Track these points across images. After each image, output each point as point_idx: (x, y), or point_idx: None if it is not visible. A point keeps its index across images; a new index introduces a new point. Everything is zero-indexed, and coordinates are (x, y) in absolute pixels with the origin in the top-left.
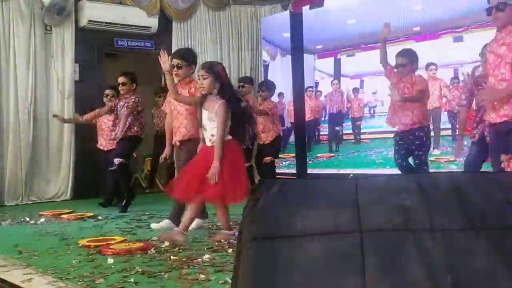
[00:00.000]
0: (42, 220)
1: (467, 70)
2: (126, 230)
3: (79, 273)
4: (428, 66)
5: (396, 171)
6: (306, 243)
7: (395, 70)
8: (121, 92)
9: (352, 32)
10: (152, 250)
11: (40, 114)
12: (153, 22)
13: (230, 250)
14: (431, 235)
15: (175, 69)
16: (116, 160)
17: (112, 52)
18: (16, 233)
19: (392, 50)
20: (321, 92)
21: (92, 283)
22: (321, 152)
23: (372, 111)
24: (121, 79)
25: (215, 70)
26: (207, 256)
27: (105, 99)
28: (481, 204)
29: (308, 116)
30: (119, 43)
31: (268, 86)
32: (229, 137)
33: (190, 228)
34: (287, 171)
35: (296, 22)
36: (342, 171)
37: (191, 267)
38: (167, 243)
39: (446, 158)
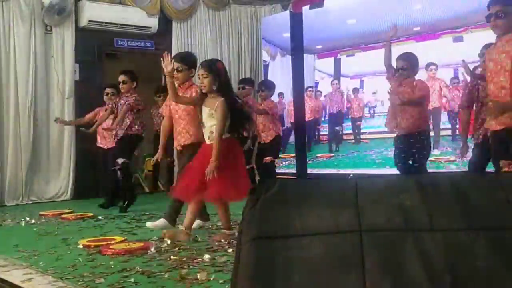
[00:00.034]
0: (42, 220)
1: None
2: (126, 230)
3: (79, 273)
4: (428, 66)
5: (396, 171)
6: (306, 243)
7: (396, 74)
8: (122, 91)
9: (352, 32)
10: (152, 250)
11: (40, 114)
12: (153, 22)
13: (230, 250)
14: (431, 235)
15: (175, 72)
16: (120, 160)
17: (112, 52)
18: (16, 233)
19: (393, 50)
20: (321, 92)
21: (92, 283)
22: (321, 152)
23: (372, 111)
24: (121, 78)
25: (214, 68)
26: (207, 256)
27: (105, 98)
28: (481, 204)
29: (308, 116)
30: (119, 43)
31: (267, 86)
32: (228, 135)
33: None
34: (287, 171)
35: (296, 22)
36: (342, 171)
37: (191, 267)
38: (168, 243)
39: (446, 158)
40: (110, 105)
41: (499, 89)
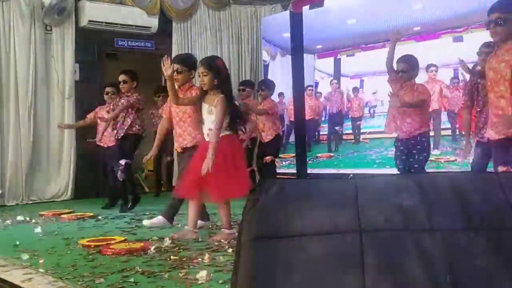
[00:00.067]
0: (42, 220)
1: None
2: (126, 230)
3: (79, 273)
4: (428, 67)
5: (396, 171)
6: (306, 243)
7: (397, 76)
8: (122, 90)
9: (352, 32)
10: (152, 250)
11: (41, 114)
12: (153, 22)
13: (230, 250)
14: (431, 235)
15: (175, 74)
16: (123, 161)
17: (112, 52)
18: (16, 233)
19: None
20: (321, 93)
21: (92, 283)
22: (321, 152)
23: (372, 111)
24: (121, 77)
25: (214, 66)
26: (207, 256)
27: (105, 97)
28: (481, 204)
29: (308, 115)
30: (119, 43)
31: (267, 85)
32: (227, 132)
33: (187, 227)
34: (287, 171)
35: (296, 22)
36: (342, 171)
37: (191, 267)
38: (168, 242)
39: (446, 158)
40: (111, 106)
41: (498, 98)
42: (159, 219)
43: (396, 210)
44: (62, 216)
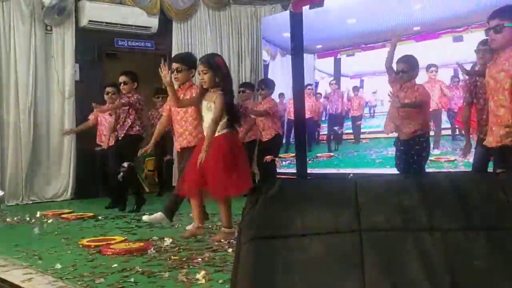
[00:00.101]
0: (42, 220)
1: (462, 69)
2: (126, 230)
3: (79, 273)
4: (429, 67)
5: (396, 171)
6: (306, 243)
7: (397, 77)
8: (123, 92)
9: (352, 31)
10: (152, 250)
11: (41, 114)
12: (153, 22)
13: (230, 250)
14: (431, 235)
15: (175, 73)
16: (125, 164)
17: (112, 52)
18: (16, 233)
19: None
20: (321, 94)
21: (92, 283)
22: (321, 152)
23: (372, 111)
24: (122, 78)
25: (214, 63)
26: (207, 256)
27: (106, 97)
28: (481, 204)
29: (307, 115)
30: (119, 43)
31: (267, 84)
32: (226, 130)
33: (189, 227)
34: (287, 171)
35: (296, 22)
36: (342, 171)
37: (191, 267)
38: (168, 242)
39: (446, 158)
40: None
41: (498, 107)
42: (159, 215)
43: (396, 210)
44: (62, 216)
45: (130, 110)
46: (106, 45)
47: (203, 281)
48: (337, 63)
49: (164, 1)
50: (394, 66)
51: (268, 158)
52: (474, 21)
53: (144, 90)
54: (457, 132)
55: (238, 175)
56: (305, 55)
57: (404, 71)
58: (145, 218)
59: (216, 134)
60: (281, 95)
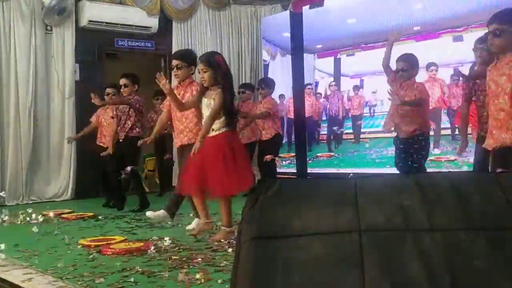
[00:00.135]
0: (42, 220)
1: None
2: (126, 230)
3: (79, 273)
4: (428, 66)
5: (395, 171)
6: (306, 243)
7: (397, 75)
8: (124, 94)
9: (352, 31)
10: (152, 249)
11: (41, 114)
12: (153, 22)
13: (230, 250)
14: (430, 235)
15: (175, 70)
16: (129, 167)
17: (112, 52)
18: (16, 233)
19: (393, 50)
20: (321, 94)
21: (92, 283)
22: (321, 152)
23: (372, 111)
24: (122, 81)
25: (214, 62)
26: (207, 256)
27: (106, 98)
28: (481, 204)
29: (306, 114)
30: (119, 43)
31: (267, 84)
32: (225, 129)
33: (189, 227)
34: (287, 170)
35: (296, 22)
36: (342, 171)
37: (191, 267)
38: (168, 242)
39: (446, 158)
40: (114, 112)
41: (498, 111)
42: (161, 212)
43: (396, 210)
44: (62, 216)
45: (130, 112)
46: (106, 45)
47: (203, 280)
48: (337, 63)
49: (164, 1)
50: (392, 65)
51: (268, 157)
52: (474, 21)
53: (144, 90)
54: (457, 132)
55: (238, 174)
56: (305, 55)
57: (404, 70)
58: (148, 214)
59: (216, 133)
60: (281, 96)
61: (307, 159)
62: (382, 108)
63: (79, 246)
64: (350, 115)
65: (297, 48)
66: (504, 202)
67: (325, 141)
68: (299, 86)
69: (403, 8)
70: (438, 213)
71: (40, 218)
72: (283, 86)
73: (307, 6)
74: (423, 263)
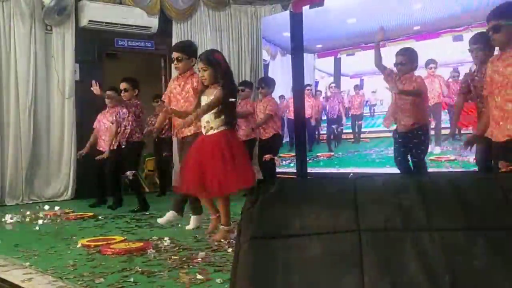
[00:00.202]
0: (42, 220)
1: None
2: (126, 230)
3: (79, 273)
4: (427, 64)
5: (396, 170)
6: (305, 243)
7: (395, 68)
8: (124, 99)
9: (352, 31)
10: (151, 249)
11: (41, 114)
12: (153, 22)
13: (229, 250)
14: (430, 235)
15: (175, 62)
16: (130, 173)
17: (112, 52)
18: (16, 233)
19: (393, 50)
20: (321, 91)
21: (92, 283)
22: (321, 152)
23: (372, 110)
24: (122, 85)
25: (214, 60)
26: (207, 256)
27: (106, 101)
28: (480, 204)
29: (306, 115)
30: (119, 43)
31: (267, 83)
32: (224, 128)
33: (189, 227)
34: (287, 170)
35: (296, 22)
36: (342, 170)
37: (190, 267)
38: (168, 242)
39: (447, 157)
40: (114, 118)
41: (506, 102)
42: (171, 214)
43: (395, 210)
44: (62, 216)
45: (129, 117)
46: (106, 45)
47: (203, 280)
48: (337, 62)
49: (164, 1)
50: (391, 64)
51: (267, 157)
52: (474, 21)
53: (144, 90)
54: (457, 132)
55: (237, 173)
56: (305, 54)
57: (403, 63)
58: (159, 220)
59: (214, 132)
60: (282, 97)
61: (307, 159)
62: (382, 108)
63: (79, 246)
64: (350, 115)
65: (297, 48)
66: (504, 202)
67: (325, 141)
68: (299, 86)
69: (403, 8)
70: (438, 213)
71: (40, 219)
72: (283, 86)
73: (307, 6)
74: (423, 263)
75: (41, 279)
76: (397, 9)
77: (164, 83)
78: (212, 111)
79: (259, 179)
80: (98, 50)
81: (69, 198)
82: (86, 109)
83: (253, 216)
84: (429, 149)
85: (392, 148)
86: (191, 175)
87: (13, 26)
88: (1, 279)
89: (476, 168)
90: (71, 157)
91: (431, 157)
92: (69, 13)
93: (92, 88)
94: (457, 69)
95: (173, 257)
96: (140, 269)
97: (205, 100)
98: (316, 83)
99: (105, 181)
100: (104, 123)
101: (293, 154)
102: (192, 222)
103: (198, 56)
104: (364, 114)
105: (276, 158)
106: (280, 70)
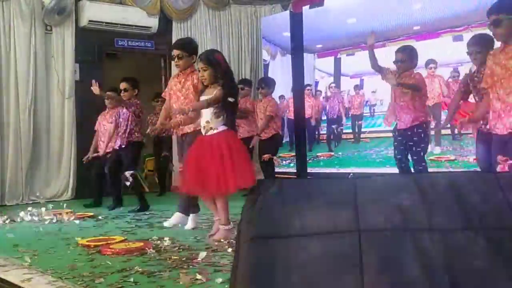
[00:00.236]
0: (42, 219)
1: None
2: (126, 230)
3: (79, 273)
4: (427, 63)
5: (396, 170)
6: (305, 243)
7: (395, 66)
8: (123, 98)
9: (352, 31)
10: (151, 249)
11: (41, 114)
12: (153, 22)
13: (229, 250)
14: (430, 235)
15: (176, 59)
16: (128, 173)
17: (112, 52)
18: (16, 233)
19: (393, 49)
20: (320, 91)
21: (92, 283)
22: (321, 152)
23: (372, 110)
24: (122, 85)
25: (213, 60)
26: (206, 256)
27: (106, 102)
28: (480, 204)
29: (306, 115)
30: (119, 43)
31: (267, 83)
32: (224, 127)
33: (188, 227)
34: (287, 170)
35: (296, 22)
36: (342, 170)
37: (190, 267)
38: (168, 242)
39: (447, 157)
40: (114, 118)
41: (508, 94)
42: (176, 215)
43: (395, 210)
44: (62, 216)
45: (129, 117)
46: (106, 45)
47: (203, 280)
48: (337, 62)
49: (164, 1)
50: (390, 63)
51: (266, 156)
52: (474, 21)
53: (144, 90)
54: (457, 132)
55: (237, 173)
56: (305, 54)
57: (402, 61)
58: (166, 224)
59: (214, 132)
60: (282, 97)
61: (307, 159)
62: (382, 108)
63: (79, 246)
64: (350, 115)
65: (297, 48)
66: (503, 202)
67: (325, 141)
68: (299, 86)
69: (403, 8)
70: (438, 213)
71: (40, 218)
72: (283, 86)
73: (307, 6)
74: (423, 263)
75: (41, 279)
76: (397, 9)
77: (164, 83)
78: (212, 111)
79: (259, 179)
80: (98, 50)
81: (69, 198)
82: (86, 109)
83: (253, 216)
84: (429, 149)
85: (392, 148)
86: (191, 175)
87: (13, 26)
88: (1, 279)
89: (476, 168)
90: (71, 157)
91: (431, 157)
92: (69, 13)
93: (91, 88)
94: (457, 69)
95: (173, 257)
96: (140, 269)
97: (204, 98)
98: (316, 83)
99: (105, 181)
100: (104, 125)
101: (293, 154)
102: (191, 221)
103: (198, 56)
104: (364, 114)
105: (275, 157)
106: (280, 70)
